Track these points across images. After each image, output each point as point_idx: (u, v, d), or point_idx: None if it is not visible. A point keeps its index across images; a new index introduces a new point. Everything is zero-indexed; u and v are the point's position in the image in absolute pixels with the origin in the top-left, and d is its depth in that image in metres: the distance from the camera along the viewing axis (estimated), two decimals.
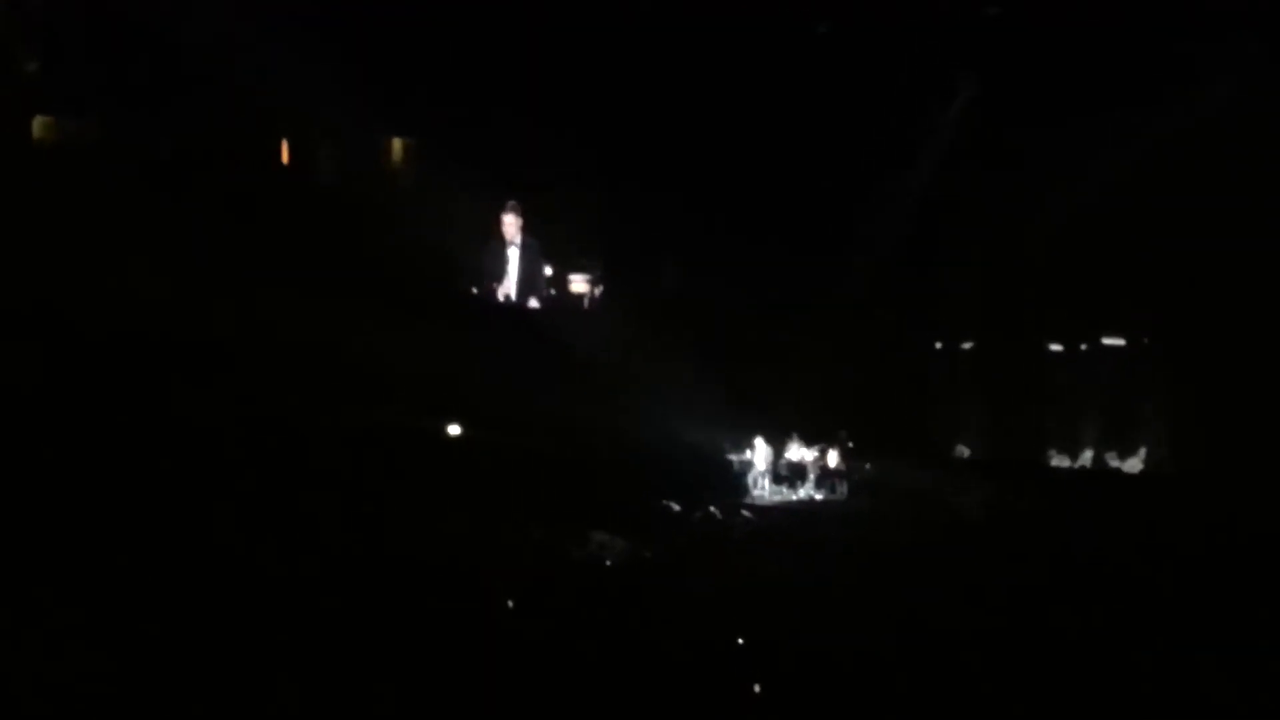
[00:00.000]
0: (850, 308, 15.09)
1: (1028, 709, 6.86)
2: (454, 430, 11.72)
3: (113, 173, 12.56)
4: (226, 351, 11.09)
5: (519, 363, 11.97)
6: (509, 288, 13.55)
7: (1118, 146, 13.95)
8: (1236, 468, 13.06)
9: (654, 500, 11.21)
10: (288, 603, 7.61)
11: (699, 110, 14.31)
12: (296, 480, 10.00)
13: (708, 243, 14.60)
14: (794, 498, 12.71)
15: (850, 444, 13.17)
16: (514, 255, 13.54)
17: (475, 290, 13.67)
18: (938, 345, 15.64)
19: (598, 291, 14.11)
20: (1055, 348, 15.35)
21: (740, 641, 7.61)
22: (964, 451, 15.12)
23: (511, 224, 13.48)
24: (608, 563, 9.50)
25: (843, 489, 12.86)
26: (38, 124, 13.10)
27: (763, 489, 12.71)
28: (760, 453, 12.82)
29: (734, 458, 12.88)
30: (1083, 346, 15.22)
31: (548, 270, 13.77)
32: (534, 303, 13.51)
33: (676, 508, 11.23)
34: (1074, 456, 14.83)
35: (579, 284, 14.05)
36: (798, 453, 13.02)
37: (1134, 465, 14.52)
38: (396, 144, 14.66)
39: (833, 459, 12.97)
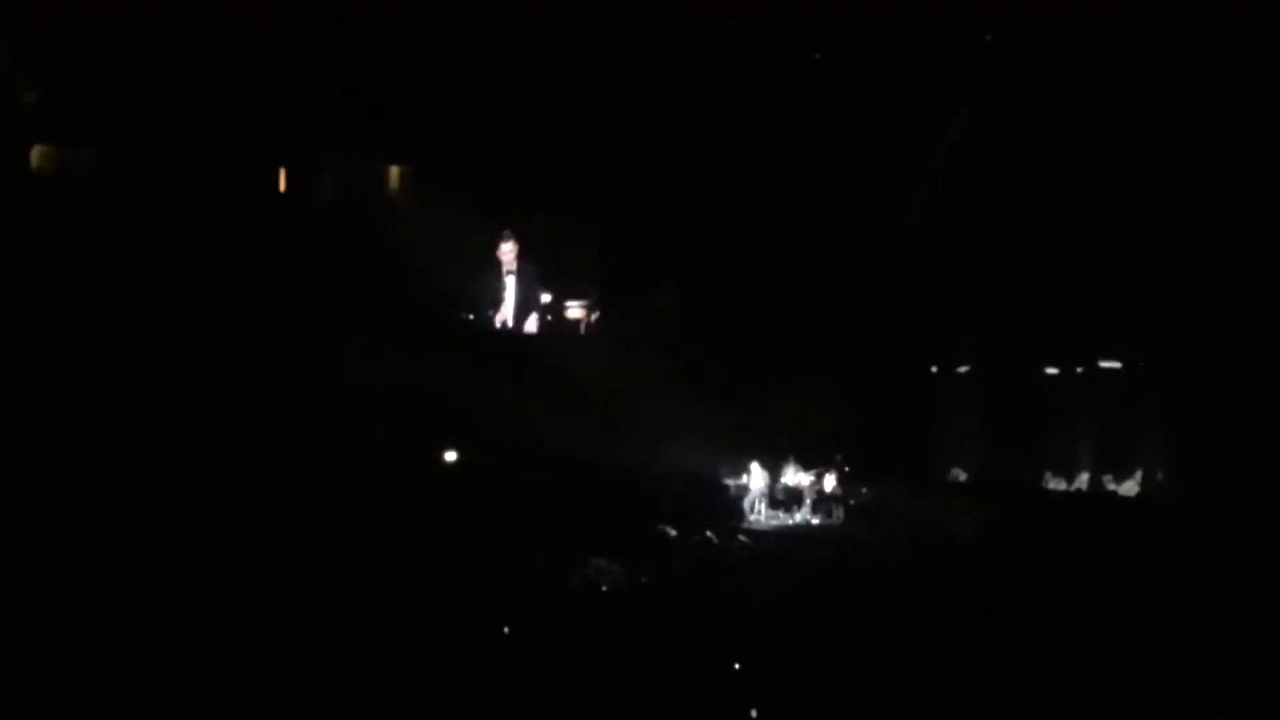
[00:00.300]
0: (846, 332, 15.10)
1: None
2: (450, 456, 11.73)
3: (112, 201, 12.60)
4: (224, 378, 11.11)
5: (515, 389, 11.98)
6: (506, 314, 13.59)
7: (1114, 170, 13.99)
8: (1232, 491, 13.05)
9: (650, 525, 11.21)
10: (286, 628, 7.62)
11: (695, 137, 14.35)
12: (295, 505, 10.02)
13: (704, 269, 14.63)
14: (790, 522, 12.72)
15: (846, 468, 13.18)
16: (510, 282, 13.58)
17: (472, 317, 13.71)
18: (934, 369, 15.66)
19: (594, 317, 14.14)
20: (1051, 371, 15.35)
21: (736, 666, 7.62)
22: (960, 475, 15.12)
23: (508, 252, 13.54)
24: (604, 588, 9.50)
25: (839, 513, 12.87)
26: (37, 153, 13.15)
27: (759, 514, 12.72)
28: (756, 477, 12.84)
29: (730, 482, 12.89)
30: (1079, 369, 15.23)
31: (544, 296, 13.80)
32: (531, 329, 13.54)
33: (673, 533, 11.24)
34: (1070, 479, 14.83)
35: (575, 310, 14.08)
36: (794, 477, 13.04)
37: (1130, 488, 14.51)
38: (394, 172, 14.71)
39: (829, 483, 12.99)
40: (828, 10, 14.03)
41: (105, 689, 6.52)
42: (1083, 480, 14.79)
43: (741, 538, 11.74)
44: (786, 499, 12.91)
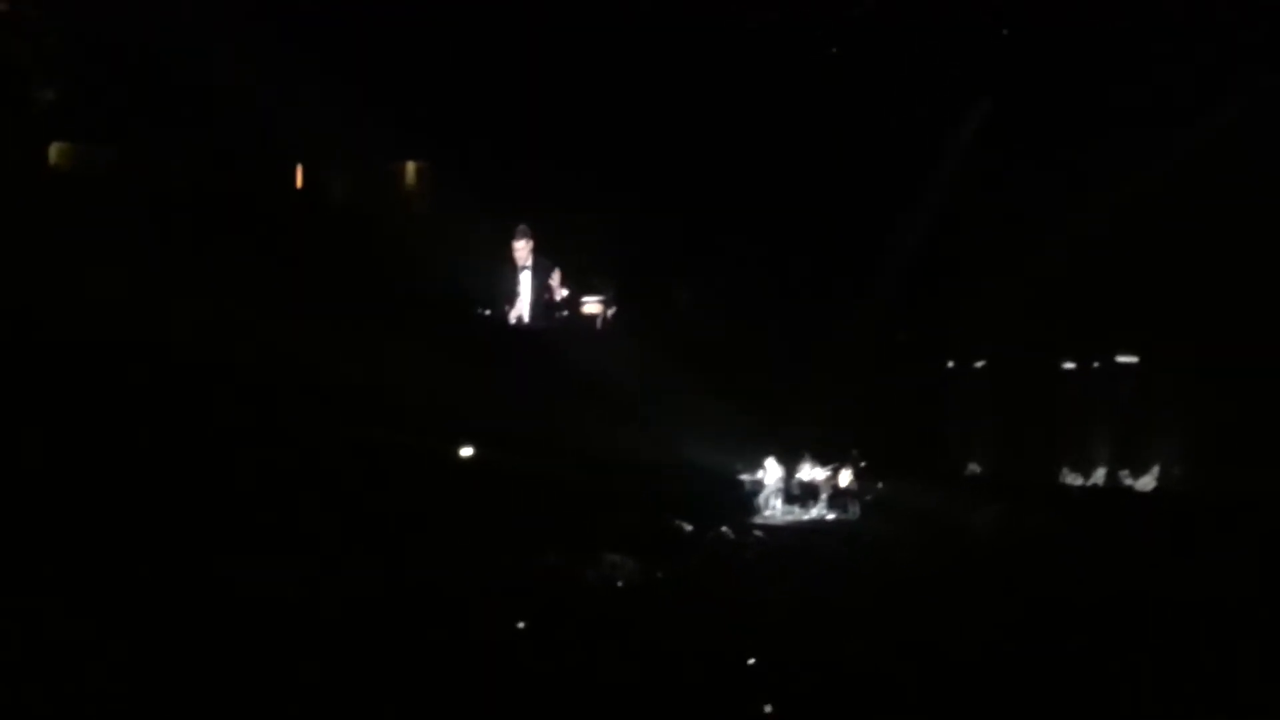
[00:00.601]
0: (863, 327, 15.08)
1: None
2: (467, 452, 11.76)
3: (129, 198, 12.65)
4: (241, 373, 11.15)
5: (531, 385, 12.01)
6: (521, 310, 13.61)
7: (1131, 164, 13.94)
8: (1249, 485, 13.02)
9: (666, 520, 11.22)
10: (303, 624, 7.65)
11: (711, 133, 14.34)
12: (312, 502, 10.05)
13: (720, 264, 14.63)
14: (806, 517, 12.73)
15: (863, 463, 13.18)
16: (525, 278, 13.60)
17: (488, 313, 13.73)
18: (950, 364, 15.63)
19: (610, 313, 14.15)
20: (1068, 365, 15.31)
21: (752, 661, 7.63)
22: (976, 470, 15.10)
23: (522, 248, 13.56)
24: (620, 583, 9.52)
25: (855, 508, 12.87)
26: (55, 150, 13.21)
27: (775, 509, 12.73)
28: (772, 472, 12.85)
29: (746, 477, 12.90)
30: (1095, 364, 15.19)
31: (561, 292, 13.82)
32: (546, 325, 13.55)
33: (689, 528, 11.25)
34: (1087, 474, 14.79)
35: (591, 305, 14.09)
36: (810, 472, 13.05)
37: (1147, 483, 14.47)
38: (410, 168, 14.73)
39: (845, 478, 12.99)
40: (845, 8, 14.02)
41: (126, 688, 6.55)
42: (1099, 475, 14.75)
43: (757, 533, 11.75)
44: (802, 494, 12.92)
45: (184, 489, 9.89)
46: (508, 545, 9.77)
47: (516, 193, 13.87)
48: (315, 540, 9.41)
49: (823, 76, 14.57)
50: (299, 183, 14.41)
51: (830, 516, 12.79)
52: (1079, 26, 13.76)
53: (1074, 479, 14.86)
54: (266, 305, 11.35)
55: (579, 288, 14.06)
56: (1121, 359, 15.02)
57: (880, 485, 13.22)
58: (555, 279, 13.80)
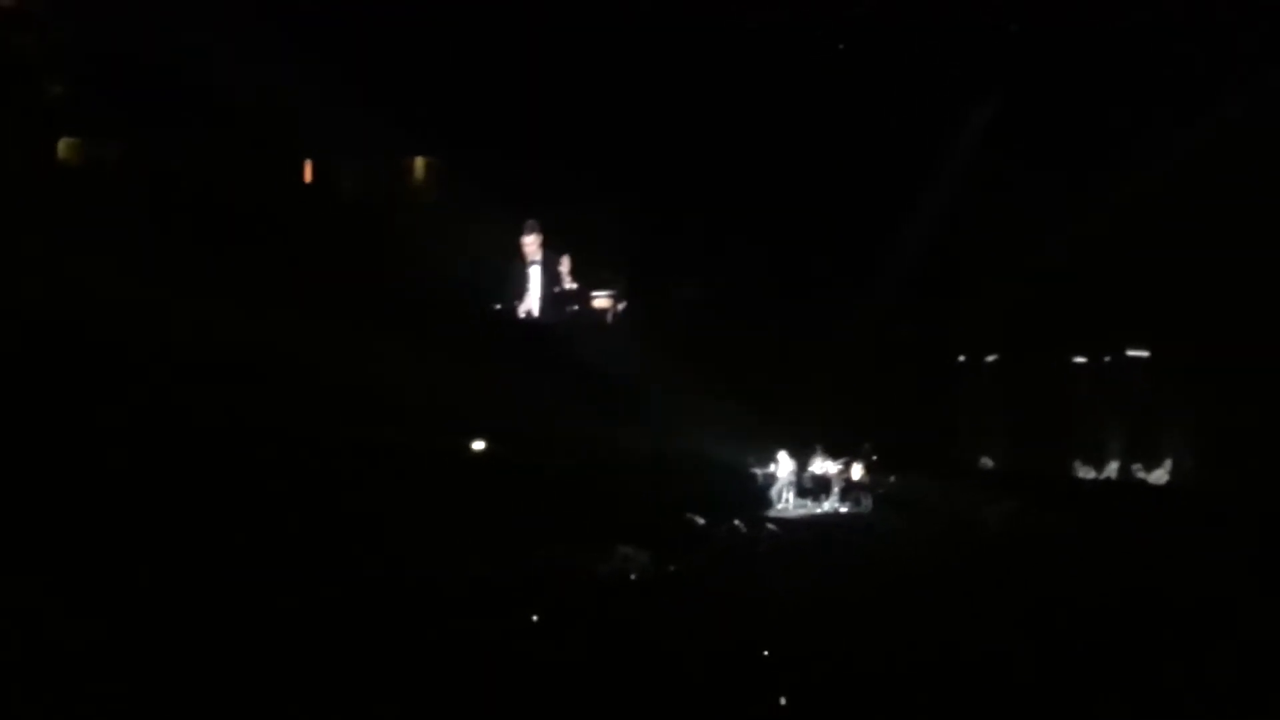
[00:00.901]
0: (874, 321, 15.06)
1: None
2: (478, 446, 11.75)
3: (138, 193, 12.65)
4: (250, 370, 11.14)
5: (542, 379, 12.00)
6: (531, 305, 13.59)
7: (1143, 157, 13.92)
8: (1263, 479, 12.98)
9: (678, 514, 11.21)
10: (312, 620, 7.63)
11: (722, 126, 14.33)
12: (322, 498, 10.05)
13: (730, 257, 14.61)
14: (818, 511, 12.70)
15: (874, 457, 13.16)
16: (535, 273, 13.59)
17: (498, 308, 13.71)
18: (962, 358, 15.61)
19: (620, 308, 14.14)
20: (1080, 360, 15.29)
21: (765, 654, 7.61)
22: (988, 464, 15.07)
23: (532, 243, 13.55)
24: (632, 577, 9.51)
25: (867, 502, 12.85)
26: (63, 145, 13.21)
27: (787, 502, 12.71)
28: (784, 466, 12.83)
29: (758, 471, 12.88)
30: (1107, 358, 15.16)
31: (570, 286, 13.80)
32: (556, 319, 13.54)
33: (701, 521, 11.24)
34: (1099, 468, 14.76)
35: (601, 300, 14.07)
36: (822, 466, 13.02)
37: (1160, 476, 14.45)
38: (419, 163, 14.73)
39: (857, 472, 12.97)
40: (854, 6, 14.01)
41: (125, 686, 6.54)
42: (1112, 469, 14.72)
43: (770, 526, 11.73)
44: (814, 488, 12.90)
45: (190, 484, 9.89)
46: (519, 539, 9.76)
47: (526, 187, 13.85)
48: (325, 535, 9.41)
49: (832, 73, 14.55)
50: (308, 178, 14.40)
51: (843, 510, 12.76)
52: (1089, 23, 13.73)
53: (1086, 473, 14.83)
54: (275, 301, 11.35)
55: (589, 282, 14.05)
56: (1133, 353, 14.99)
57: (892, 479, 13.20)
58: (565, 271, 13.79)
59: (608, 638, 7.87)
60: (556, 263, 13.70)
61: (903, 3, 13.90)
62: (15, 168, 12.52)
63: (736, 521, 11.43)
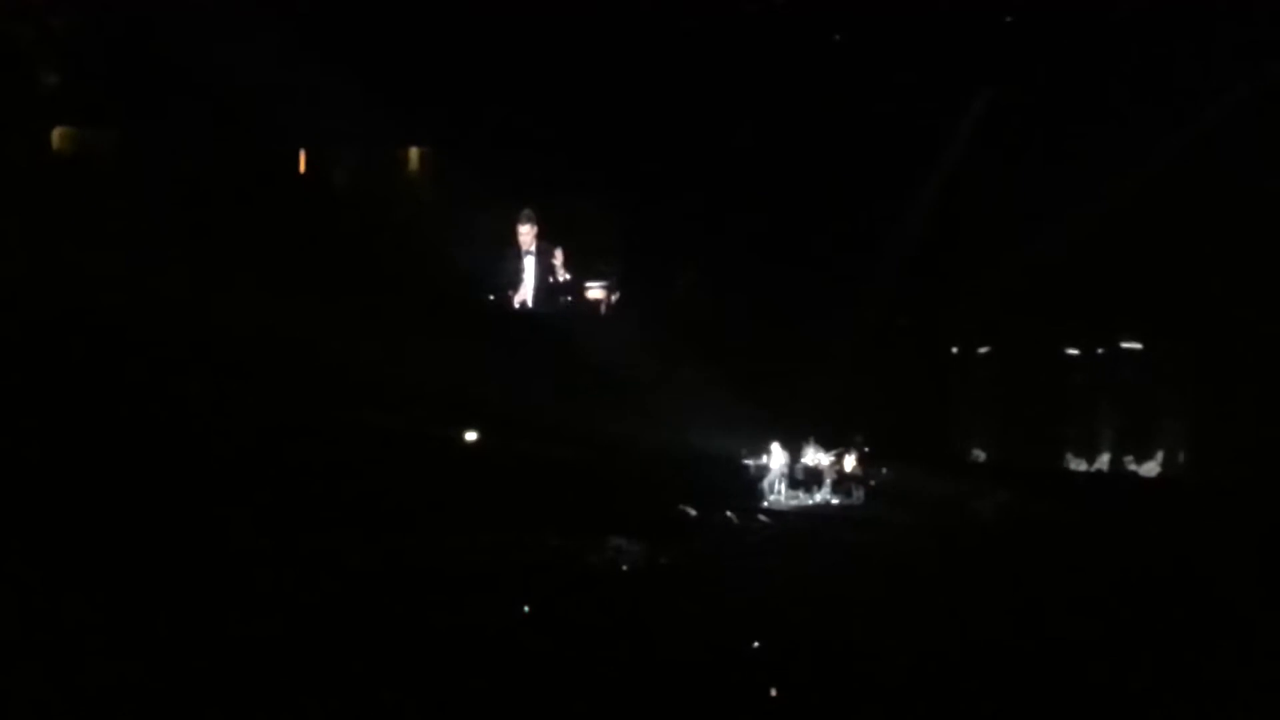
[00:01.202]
0: (866, 313, 15.06)
1: (1045, 716, 6.86)
2: (470, 436, 11.77)
3: (131, 183, 12.65)
4: (245, 359, 11.16)
5: (535, 369, 12.02)
6: (525, 295, 13.60)
7: (1135, 149, 13.91)
8: (1255, 471, 13.00)
9: (671, 505, 11.22)
10: (303, 610, 7.65)
11: (715, 116, 14.31)
12: (314, 486, 10.06)
13: (723, 248, 14.60)
14: (810, 502, 12.72)
15: (866, 449, 13.17)
16: (530, 263, 13.61)
17: (492, 298, 13.72)
18: (954, 350, 15.61)
19: (614, 298, 14.14)
20: (1072, 351, 15.29)
21: (756, 645, 7.63)
22: (981, 455, 15.08)
23: (527, 233, 13.57)
24: (624, 568, 9.52)
25: (859, 494, 12.86)
26: (58, 134, 13.21)
27: (779, 494, 12.72)
28: (777, 457, 12.84)
29: (750, 462, 12.89)
30: (1100, 350, 15.16)
31: (564, 277, 13.81)
32: (550, 310, 13.55)
33: (693, 513, 11.25)
34: (1091, 460, 14.78)
35: (595, 291, 14.08)
36: (814, 457, 13.03)
37: (1151, 469, 14.46)
38: (413, 153, 14.72)
39: (849, 463, 12.98)
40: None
41: (125, 676, 6.55)
42: (1103, 461, 14.73)
43: (761, 517, 11.75)
44: (806, 479, 12.90)
45: (186, 474, 9.92)
46: (511, 530, 9.78)
47: (520, 178, 13.85)
48: (317, 524, 9.42)
49: (826, 66, 14.53)
50: (302, 167, 14.40)
51: (834, 501, 12.78)
52: (1086, 16, 13.72)
53: (1078, 465, 14.84)
54: (269, 290, 11.37)
55: (582, 273, 14.05)
56: (1126, 345, 15.00)
57: (884, 470, 13.21)
58: (559, 262, 13.79)
59: (599, 629, 7.87)
60: (551, 254, 13.70)
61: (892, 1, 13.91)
62: (11, 157, 12.53)
63: (729, 513, 11.45)
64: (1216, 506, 11.83)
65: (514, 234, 13.60)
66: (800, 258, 14.50)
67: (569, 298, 13.85)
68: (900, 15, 14.00)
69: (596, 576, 9.32)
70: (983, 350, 15.53)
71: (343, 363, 11.32)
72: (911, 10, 13.92)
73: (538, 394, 11.66)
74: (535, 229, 13.56)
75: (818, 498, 12.79)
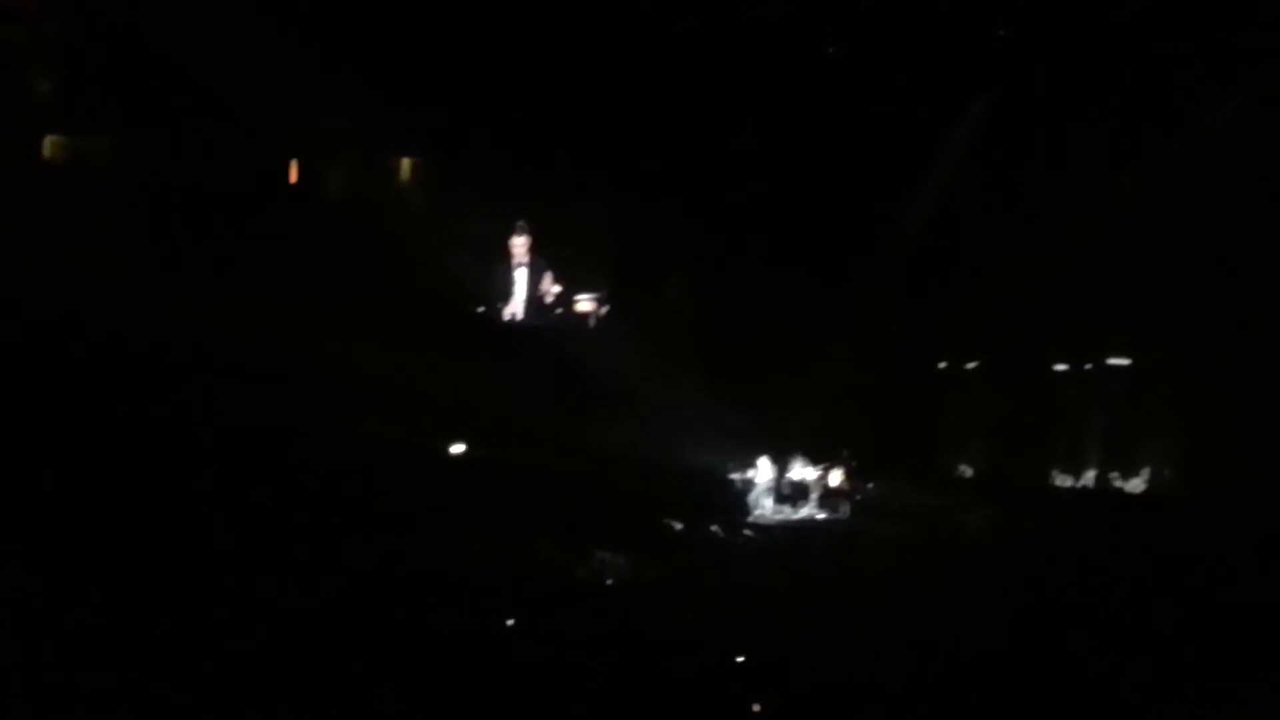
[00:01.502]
0: (855, 328, 15.08)
1: None
2: (458, 449, 11.78)
3: (123, 192, 12.67)
4: (237, 368, 11.17)
5: (524, 382, 12.02)
6: (516, 307, 13.62)
7: (1122, 165, 13.96)
8: (1241, 488, 13.04)
9: (656, 519, 11.23)
10: (291, 620, 7.65)
11: (705, 130, 14.34)
12: (302, 497, 10.06)
13: (713, 262, 14.63)
14: (796, 517, 12.72)
15: (853, 463, 13.19)
16: (521, 275, 13.61)
17: (482, 309, 13.73)
18: (942, 365, 15.63)
19: (603, 311, 14.16)
20: (1060, 367, 15.32)
21: (740, 660, 7.64)
22: (967, 471, 15.10)
23: (520, 245, 13.57)
24: (610, 581, 9.53)
25: (845, 509, 12.87)
26: (49, 144, 13.21)
27: (765, 508, 12.72)
28: (763, 472, 12.85)
29: (737, 476, 12.89)
30: (1087, 366, 15.19)
31: (554, 289, 13.82)
32: (539, 322, 13.56)
33: (679, 526, 11.26)
34: (1077, 476, 14.80)
35: (585, 303, 14.09)
36: (801, 472, 13.04)
37: (1137, 485, 14.49)
38: (405, 164, 14.74)
39: (835, 478, 12.99)
40: (840, 5, 14.04)
41: (122, 682, 6.56)
42: (1089, 477, 14.75)
43: (747, 532, 11.77)
44: (793, 494, 12.91)
45: (178, 483, 9.91)
46: (496, 541, 9.78)
47: (509, 190, 13.87)
48: (304, 534, 9.42)
49: (816, 80, 14.57)
50: (293, 178, 14.41)
51: (820, 516, 12.78)
52: (1072, 28, 13.77)
53: (1064, 481, 14.86)
54: (260, 300, 11.38)
55: (572, 285, 14.07)
56: (1113, 361, 15.03)
57: (870, 485, 13.22)
58: (550, 274, 13.81)
59: (584, 641, 7.88)
60: (542, 266, 13.72)
61: (886, 9, 13.93)
62: (4, 165, 12.54)
63: (714, 527, 11.47)
64: (1202, 520, 11.86)
65: (508, 245, 13.60)
66: (789, 272, 14.52)
67: (559, 310, 13.86)
68: (893, 28, 14.05)
69: (582, 589, 9.32)
70: (970, 365, 15.56)
71: (333, 372, 11.32)
72: (904, 23, 13.97)
73: (525, 406, 11.68)
74: (528, 240, 13.57)
75: (804, 512, 12.80)
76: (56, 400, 10.43)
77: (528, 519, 10.28)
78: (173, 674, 6.72)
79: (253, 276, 11.89)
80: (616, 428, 12.08)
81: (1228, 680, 7.29)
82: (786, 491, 12.87)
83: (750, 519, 12.36)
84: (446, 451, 11.71)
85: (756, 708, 6.95)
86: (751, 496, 12.73)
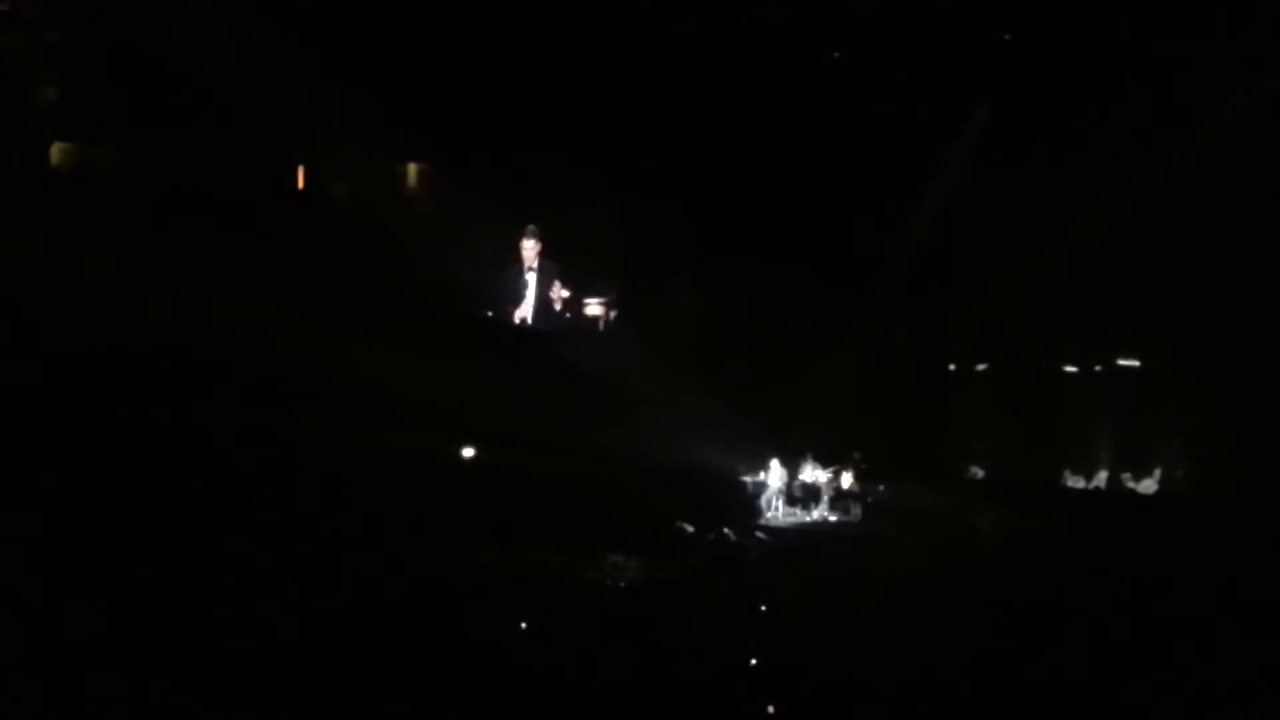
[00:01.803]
0: (865, 330, 15.06)
1: None
2: (469, 453, 11.77)
3: (130, 198, 12.67)
4: (243, 373, 11.17)
5: (534, 385, 12.02)
6: (526, 311, 13.61)
7: (1134, 166, 13.92)
8: (1253, 488, 13.01)
9: (668, 522, 11.22)
10: (303, 623, 7.64)
11: (714, 133, 14.33)
12: (313, 501, 10.06)
13: (722, 265, 14.62)
14: (808, 519, 12.70)
15: (864, 466, 13.16)
16: (532, 279, 13.60)
17: (491, 313, 13.73)
18: (952, 367, 15.61)
19: (613, 314, 14.15)
20: (1070, 369, 15.30)
21: (753, 662, 7.63)
22: (978, 473, 15.07)
23: (531, 248, 13.56)
24: (622, 584, 9.52)
25: (856, 511, 12.85)
26: (56, 151, 13.22)
27: (777, 510, 12.70)
28: (774, 474, 12.82)
29: (748, 479, 12.88)
30: (1098, 367, 15.17)
31: (564, 293, 13.82)
32: (550, 326, 13.56)
33: (690, 529, 11.25)
34: (1089, 477, 14.77)
35: (594, 307, 14.09)
36: (812, 474, 13.01)
37: (1149, 486, 14.46)
38: (412, 169, 14.74)
39: (846, 480, 12.96)
40: (848, 8, 14.03)
41: (125, 686, 6.55)
42: (1101, 478, 14.73)
43: (759, 534, 11.75)
44: (804, 496, 12.88)
45: (184, 487, 9.91)
46: (509, 546, 9.77)
47: (518, 194, 13.86)
48: (315, 538, 9.42)
49: (823, 82, 14.56)
50: (300, 184, 14.41)
51: (832, 518, 12.76)
52: (1083, 28, 13.76)
53: (1075, 482, 14.83)
54: (269, 306, 11.37)
55: (581, 289, 14.06)
56: (1124, 362, 15.00)
57: (882, 488, 13.20)
58: (559, 278, 13.80)
59: (596, 644, 7.87)
60: (552, 270, 13.71)
61: (891, 12, 13.92)
62: (10, 172, 12.54)
63: (726, 529, 11.45)
64: (1215, 521, 11.83)
65: (518, 249, 13.59)
66: (798, 275, 14.50)
67: (568, 314, 13.85)
68: (899, 29, 14.04)
69: (594, 592, 9.31)
70: (980, 367, 15.54)
71: (342, 378, 11.32)
72: (911, 23, 13.96)
73: (536, 409, 11.67)
74: (539, 245, 13.56)
75: (815, 514, 12.78)
76: (66, 404, 10.43)
77: (539, 521, 10.28)
78: (191, 680, 6.72)
79: (262, 282, 11.88)
80: (627, 431, 12.07)
81: (1241, 681, 7.26)
82: (798, 494, 12.85)
83: (762, 521, 12.35)
84: (458, 455, 11.70)
85: (770, 709, 6.93)
86: (763, 499, 12.71)
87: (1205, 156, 13.51)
